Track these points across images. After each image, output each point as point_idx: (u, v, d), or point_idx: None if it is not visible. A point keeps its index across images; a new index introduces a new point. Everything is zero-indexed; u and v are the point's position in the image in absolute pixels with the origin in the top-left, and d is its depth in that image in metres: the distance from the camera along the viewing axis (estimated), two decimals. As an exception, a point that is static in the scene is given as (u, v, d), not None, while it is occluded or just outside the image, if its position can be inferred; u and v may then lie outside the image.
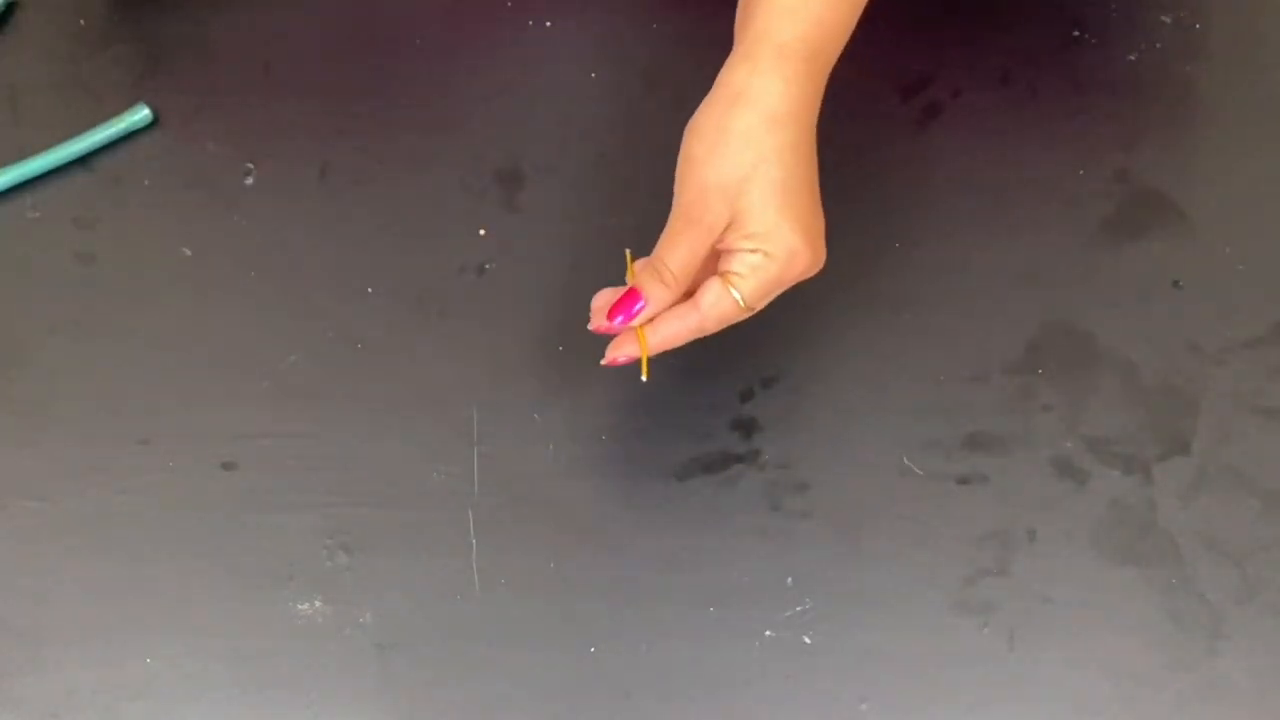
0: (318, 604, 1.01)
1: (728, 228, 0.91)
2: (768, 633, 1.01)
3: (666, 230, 0.92)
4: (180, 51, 1.16)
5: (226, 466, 1.04)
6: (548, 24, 1.16)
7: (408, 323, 1.07)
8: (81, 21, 1.17)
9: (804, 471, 1.04)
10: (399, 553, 1.02)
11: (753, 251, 0.91)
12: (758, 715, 0.99)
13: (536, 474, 1.04)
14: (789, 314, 1.02)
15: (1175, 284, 1.09)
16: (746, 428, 1.05)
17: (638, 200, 1.08)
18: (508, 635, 1.01)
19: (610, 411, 1.05)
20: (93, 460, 1.05)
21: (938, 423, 1.05)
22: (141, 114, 1.13)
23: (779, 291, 0.94)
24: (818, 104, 0.94)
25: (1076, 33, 1.16)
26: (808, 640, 1.01)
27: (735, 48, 0.94)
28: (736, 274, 0.91)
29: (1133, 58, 1.16)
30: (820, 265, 0.94)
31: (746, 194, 0.90)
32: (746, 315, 0.93)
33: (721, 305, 0.92)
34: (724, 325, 0.94)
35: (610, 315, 0.93)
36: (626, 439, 1.05)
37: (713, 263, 0.93)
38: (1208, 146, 1.13)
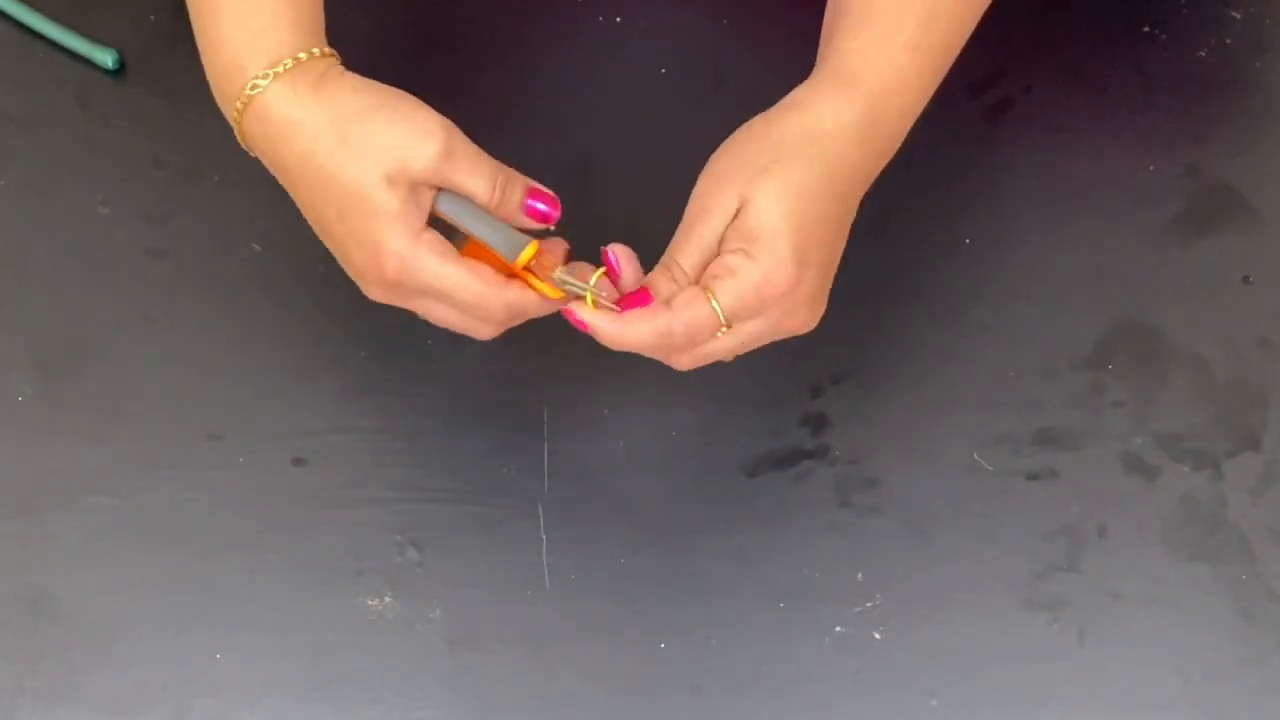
0: (388, 599, 1.01)
1: (731, 222, 0.87)
2: (837, 628, 1.01)
3: (680, 226, 0.90)
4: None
5: (296, 462, 1.05)
6: (618, 20, 1.16)
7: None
8: (152, 17, 1.18)
9: (874, 467, 1.04)
10: (469, 548, 1.02)
11: (734, 252, 0.86)
12: (827, 710, 0.99)
13: (607, 470, 1.04)
14: (859, 310, 1.02)
15: (1245, 279, 1.09)
16: (816, 423, 1.05)
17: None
18: (577, 631, 1.01)
19: (680, 408, 1.05)
20: (163, 456, 1.05)
21: (1008, 418, 1.05)
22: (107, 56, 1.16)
23: (764, 328, 0.89)
24: (870, 162, 0.90)
25: (1147, 29, 1.16)
26: (877, 636, 1.00)
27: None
28: (714, 277, 0.86)
29: (1203, 53, 1.15)
30: (813, 316, 0.89)
31: (758, 184, 0.86)
32: (727, 342, 0.89)
33: (693, 309, 0.86)
34: (695, 341, 0.88)
35: (623, 305, 0.89)
36: (696, 435, 1.05)
37: None
38: (1278, 141, 1.13)
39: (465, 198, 0.87)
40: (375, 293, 0.90)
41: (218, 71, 0.90)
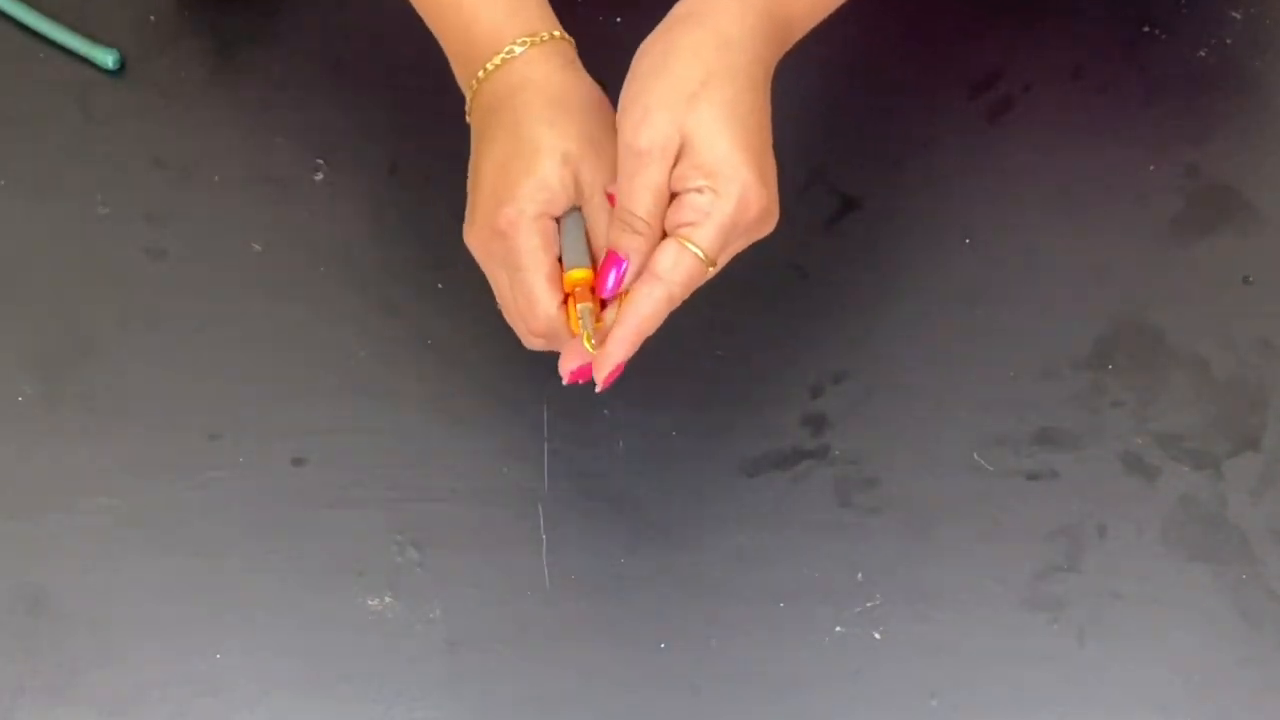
0: (388, 600, 1.01)
1: (677, 157, 0.85)
2: (837, 628, 1.01)
3: (619, 174, 0.87)
4: (250, 46, 1.17)
5: (296, 462, 1.05)
6: (618, 20, 1.16)
7: (477, 319, 1.06)
8: (151, 18, 1.18)
9: (874, 467, 1.04)
10: (469, 548, 1.02)
11: (699, 191, 0.85)
12: (827, 711, 0.99)
13: (607, 470, 1.04)
14: (858, 310, 1.02)
15: (1245, 279, 1.09)
16: (816, 423, 1.05)
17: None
18: (577, 631, 1.01)
19: (680, 408, 1.05)
20: (163, 456, 1.05)
21: (1008, 418, 1.05)
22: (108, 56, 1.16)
23: (739, 244, 0.89)
24: (773, 54, 0.90)
25: (1147, 28, 1.16)
26: (877, 636, 1.00)
27: None
28: (689, 224, 0.85)
29: (1203, 53, 1.15)
30: (774, 217, 0.88)
31: (695, 112, 0.84)
32: (713, 273, 0.88)
33: (682, 266, 0.86)
34: (693, 288, 0.88)
35: (599, 290, 0.89)
36: (696, 435, 1.05)
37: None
38: (1278, 141, 1.13)
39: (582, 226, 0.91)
40: (476, 235, 0.92)
41: (467, 40, 0.96)
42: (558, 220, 0.91)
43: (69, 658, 1.00)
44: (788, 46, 0.92)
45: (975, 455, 1.04)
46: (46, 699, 0.99)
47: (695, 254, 0.86)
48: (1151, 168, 1.12)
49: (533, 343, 0.94)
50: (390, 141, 1.08)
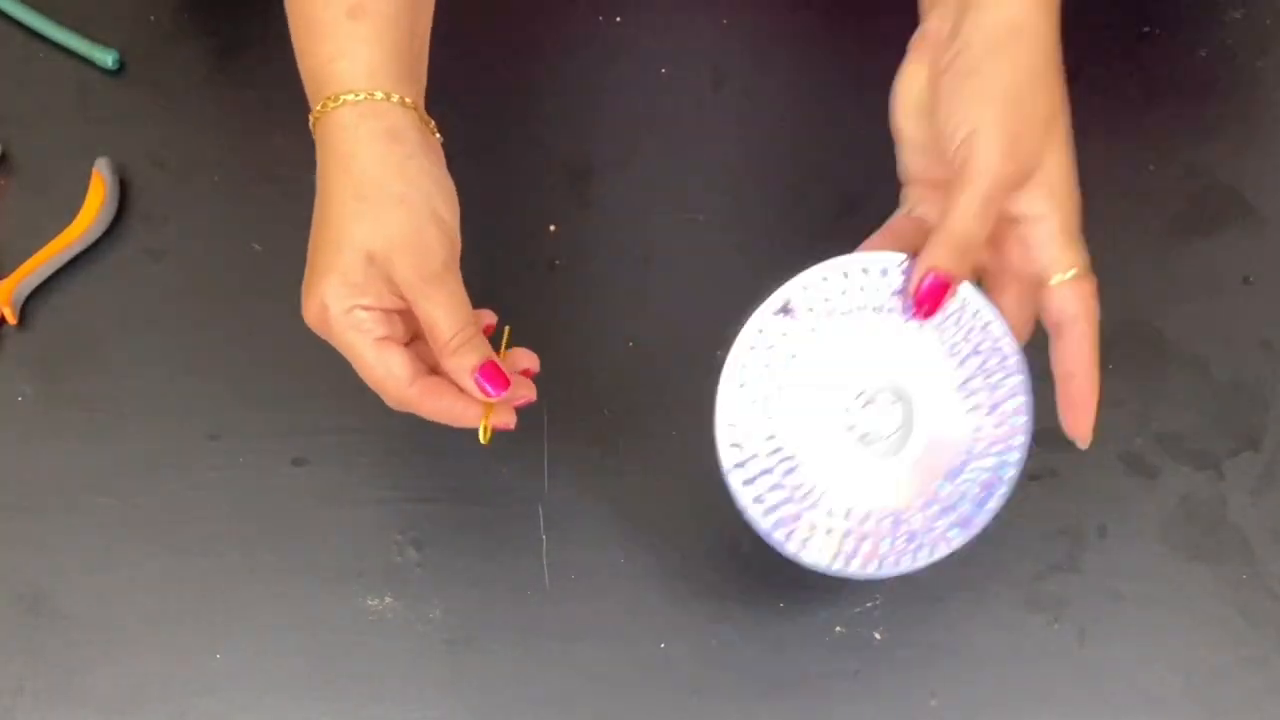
0: (387, 600, 1.01)
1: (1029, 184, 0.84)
2: (837, 629, 1.01)
3: (970, 195, 0.83)
4: (250, 46, 1.17)
5: (296, 462, 1.05)
6: (618, 19, 1.16)
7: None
8: (151, 18, 1.18)
9: (874, 467, 1.04)
10: (469, 548, 1.02)
11: (1040, 218, 0.84)
12: (827, 711, 0.99)
13: (606, 470, 1.04)
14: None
15: (1246, 280, 1.09)
16: (816, 423, 1.05)
17: (707, 196, 1.09)
18: (577, 631, 1.01)
19: (681, 408, 1.05)
20: (163, 456, 1.05)
21: (1008, 419, 1.05)
22: (107, 56, 1.17)
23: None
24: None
25: (1147, 29, 1.16)
26: (877, 636, 1.00)
27: None
28: (1054, 258, 0.85)
29: (1203, 54, 1.15)
30: None
31: (1053, 140, 0.84)
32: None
33: (1086, 295, 0.85)
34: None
35: (919, 313, 0.85)
36: (697, 435, 1.04)
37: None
38: (1278, 141, 1.13)
39: None
40: (306, 319, 0.90)
41: (303, 70, 0.93)
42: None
43: (69, 657, 1.00)
44: None
45: (976, 455, 1.04)
46: (46, 699, 0.99)
47: (1076, 278, 0.85)
48: (1152, 168, 1.12)
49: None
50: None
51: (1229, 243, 1.10)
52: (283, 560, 1.02)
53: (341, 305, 0.86)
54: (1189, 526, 1.03)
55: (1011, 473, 0.87)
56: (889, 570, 0.88)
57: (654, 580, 1.01)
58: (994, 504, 0.87)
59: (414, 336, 0.91)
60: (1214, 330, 1.07)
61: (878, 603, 1.01)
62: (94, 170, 1.10)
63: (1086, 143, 1.11)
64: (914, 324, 0.86)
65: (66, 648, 1.00)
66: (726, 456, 0.87)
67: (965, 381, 0.87)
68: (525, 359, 0.93)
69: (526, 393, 0.91)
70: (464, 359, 0.87)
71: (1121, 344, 1.07)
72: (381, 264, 0.86)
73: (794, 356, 0.87)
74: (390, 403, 0.89)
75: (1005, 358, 0.87)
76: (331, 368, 1.06)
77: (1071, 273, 0.85)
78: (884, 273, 0.86)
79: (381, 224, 0.86)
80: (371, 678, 1.00)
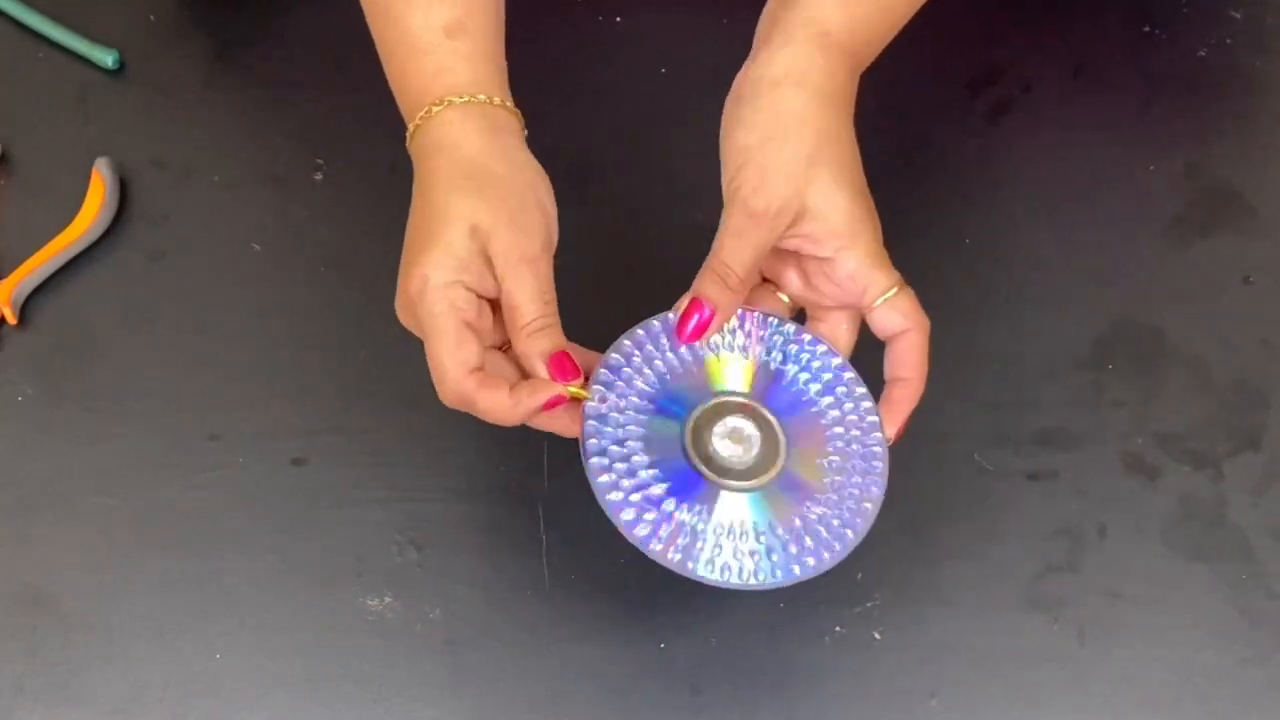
0: (388, 599, 1.01)
1: (795, 220, 0.88)
2: (837, 628, 1.01)
3: (726, 230, 0.89)
4: (250, 47, 1.17)
5: (296, 462, 1.05)
6: (618, 20, 1.16)
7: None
8: (151, 18, 1.18)
9: (874, 467, 1.04)
10: (469, 548, 1.02)
11: (835, 255, 0.89)
12: (827, 711, 0.99)
13: (607, 470, 1.04)
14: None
15: (1246, 280, 1.09)
16: (816, 423, 1.05)
17: (706, 196, 1.08)
18: (577, 631, 1.01)
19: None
20: (163, 456, 1.05)
21: (1008, 418, 1.05)
22: (107, 56, 1.17)
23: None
24: (853, 103, 0.92)
25: (1147, 28, 1.16)
26: (877, 636, 1.00)
27: (770, 36, 0.92)
28: (864, 293, 0.91)
29: (1203, 53, 1.15)
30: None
31: (817, 179, 0.87)
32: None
33: (906, 308, 0.91)
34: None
35: (682, 336, 0.91)
36: (696, 434, 1.05)
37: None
38: (1278, 141, 1.13)
39: None
40: (397, 301, 0.90)
41: (401, 89, 0.95)
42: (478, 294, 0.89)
43: (69, 658, 1.00)
44: (856, 83, 0.94)
45: (975, 455, 1.04)
46: (47, 699, 0.99)
47: (897, 295, 0.91)
48: (1152, 168, 1.12)
49: (450, 403, 0.91)
50: (390, 141, 1.07)
51: (1228, 242, 1.10)
52: (282, 560, 1.02)
53: (444, 277, 0.86)
54: (1189, 526, 1.03)
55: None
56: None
57: (654, 580, 1.01)
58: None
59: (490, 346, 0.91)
60: (1213, 330, 1.07)
61: (877, 602, 1.01)
62: (94, 170, 1.10)
63: (1087, 143, 1.12)
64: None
65: (66, 648, 1.00)
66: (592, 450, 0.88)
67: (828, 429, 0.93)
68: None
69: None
70: (539, 343, 0.88)
71: (1121, 343, 1.07)
72: (483, 238, 0.87)
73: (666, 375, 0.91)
74: (445, 391, 0.88)
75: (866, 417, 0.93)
76: (331, 368, 1.07)
77: (892, 291, 0.90)
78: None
79: (487, 199, 0.88)
80: (371, 677, 1.00)
